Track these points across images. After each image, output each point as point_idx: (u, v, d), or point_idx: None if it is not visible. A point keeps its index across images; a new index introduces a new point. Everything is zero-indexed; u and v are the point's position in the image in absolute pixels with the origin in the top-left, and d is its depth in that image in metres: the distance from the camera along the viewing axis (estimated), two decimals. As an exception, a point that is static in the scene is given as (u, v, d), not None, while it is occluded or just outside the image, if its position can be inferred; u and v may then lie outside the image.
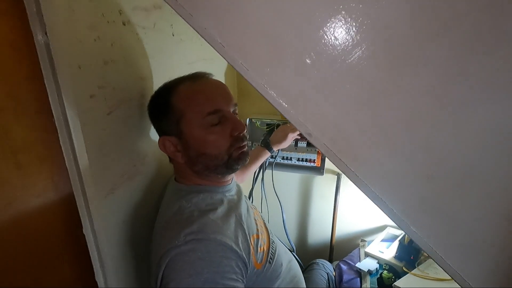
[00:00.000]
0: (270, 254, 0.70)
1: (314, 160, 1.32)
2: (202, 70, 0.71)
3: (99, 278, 0.54)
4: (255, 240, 0.67)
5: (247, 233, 0.65)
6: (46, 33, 0.41)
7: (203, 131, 0.62)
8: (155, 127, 0.70)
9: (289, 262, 0.78)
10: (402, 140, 0.36)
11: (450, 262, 0.39)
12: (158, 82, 0.76)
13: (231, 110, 0.66)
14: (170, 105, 0.63)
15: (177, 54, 0.85)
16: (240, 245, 0.60)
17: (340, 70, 0.35)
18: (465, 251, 0.39)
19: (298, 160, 1.33)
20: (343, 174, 1.39)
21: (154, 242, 0.61)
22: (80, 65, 0.51)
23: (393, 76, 0.34)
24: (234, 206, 0.69)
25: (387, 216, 0.40)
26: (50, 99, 0.42)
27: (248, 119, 1.33)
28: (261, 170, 1.32)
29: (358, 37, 0.34)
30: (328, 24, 0.34)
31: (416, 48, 0.32)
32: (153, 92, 0.71)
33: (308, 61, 0.35)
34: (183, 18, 0.38)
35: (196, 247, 0.53)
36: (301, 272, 0.85)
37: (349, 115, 0.37)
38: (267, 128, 1.33)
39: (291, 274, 0.78)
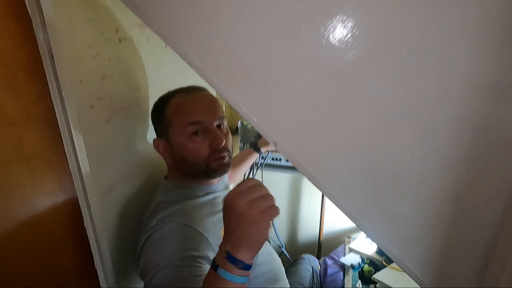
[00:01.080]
0: None
1: (302, 161, 1.39)
2: (193, 78, 0.78)
3: (98, 265, 0.61)
4: None
5: (219, 221, 0.71)
6: (52, 56, 0.48)
7: (185, 139, 0.70)
8: (154, 129, 0.78)
9: (269, 255, 0.85)
10: (350, 149, 0.43)
11: (394, 250, 0.47)
12: (152, 91, 0.83)
13: (215, 123, 0.72)
14: (163, 113, 0.72)
15: (170, 64, 0.92)
16: (208, 230, 0.66)
17: (298, 92, 0.43)
18: (406, 240, 0.46)
19: (287, 160, 1.41)
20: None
21: (140, 232, 0.69)
22: (81, 79, 0.59)
23: (340, 97, 0.41)
24: (212, 199, 0.76)
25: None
26: (56, 112, 0.50)
27: (240, 122, 1.41)
28: (252, 171, 1.39)
29: (311, 66, 0.41)
30: (286, 55, 0.41)
31: (357, 75, 0.40)
32: (148, 100, 0.79)
33: (271, 84, 0.43)
34: (168, 45, 0.46)
35: (162, 228, 0.62)
36: (281, 265, 0.92)
37: (306, 129, 0.44)
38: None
39: (270, 265, 0.84)
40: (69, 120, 0.53)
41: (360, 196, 0.46)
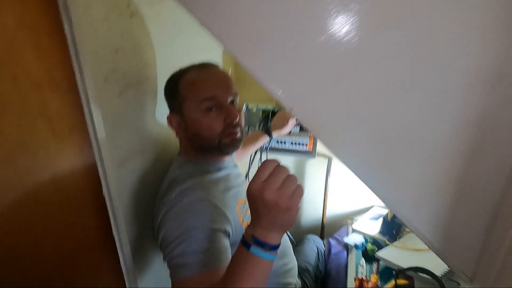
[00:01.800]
0: None
1: (307, 144, 1.41)
2: (200, 58, 0.79)
3: (115, 233, 0.63)
4: (242, 203, 0.76)
5: (234, 196, 0.74)
6: (71, 25, 0.49)
7: (199, 115, 0.71)
8: (167, 104, 0.79)
9: None
10: (363, 113, 0.45)
11: (404, 212, 0.49)
12: (161, 69, 0.84)
13: (229, 99, 0.73)
14: (177, 89, 0.73)
15: (177, 43, 0.92)
16: (225, 204, 0.68)
17: (312, 57, 0.44)
18: (415, 202, 0.48)
19: (291, 144, 1.42)
20: (334, 157, 1.48)
21: (156, 205, 0.70)
22: (96, 52, 0.59)
23: (354, 61, 0.43)
24: (226, 175, 0.78)
25: (356, 176, 0.49)
26: (76, 79, 0.51)
27: (245, 105, 1.42)
28: (257, 154, 1.42)
29: (324, 32, 0.42)
30: (301, 21, 0.42)
31: (370, 40, 0.41)
32: (157, 78, 0.80)
33: (287, 49, 0.44)
34: (187, 11, 0.47)
35: (182, 201, 0.63)
36: (289, 242, 0.95)
37: (321, 93, 0.45)
38: (262, 114, 1.42)
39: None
40: (87, 89, 0.54)
41: (372, 158, 0.47)
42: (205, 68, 0.75)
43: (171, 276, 0.60)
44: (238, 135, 0.75)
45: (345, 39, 0.42)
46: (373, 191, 0.50)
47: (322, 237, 1.54)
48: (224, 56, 1.31)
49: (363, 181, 0.49)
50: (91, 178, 0.58)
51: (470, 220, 0.47)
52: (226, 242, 0.63)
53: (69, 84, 0.51)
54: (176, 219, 0.62)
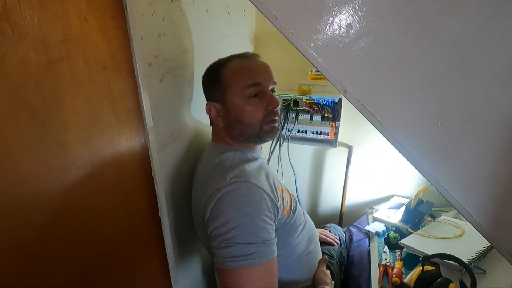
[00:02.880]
0: (292, 205, 0.82)
1: (328, 133, 1.41)
2: (229, 45, 0.81)
3: (160, 214, 0.66)
4: (281, 192, 0.78)
5: (274, 185, 0.75)
6: (127, 8, 0.50)
7: (242, 101, 0.73)
8: (205, 93, 0.81)
9: (305, 217, 0.91)
10: (421, 95, 0.45)
11: (453, 194, 0.50)
12: (195, 55, 0.85)
13: (270, 87, 0.76)
14: (220, 77, 0.75)
15: (210, 29, 0.93)
16: (271, 192, 0.70)
17: (371, 38, 0.44)
18: (467, 185, 0.49)
19: (313, 133, 1.42)
20: (354, 147, 1.48)
21: (197, 190, 0.72)
22: (142, 36, 0.60)
23: (417, 42, 0.43)
24: (261, 164, 0.79)
25: (404, 158, 0.50)
26: (133, 62, 0.52)
27: (266, 95, 1.42)
28: (278, 142, 1.42)
29: (388, 8, 0.42)
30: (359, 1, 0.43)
31: (436, 18, 0.41)
32: (193, 64, 0.81)
33: (344, 30, 0.44)
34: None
35: (240, 187, 0.65)
36: (315, 228, 0.97)
37: (379, 75, 0.46)
38: (283, 103, 1.42)
39: (308, 227, 0.90)
40: (138, 71, 0.55)
41: (426, 141, 0.48)
42: (248, 57, 0.78)
43: (223, 263, 0.61)
44: (277, 123, 0.78)
45: (411, 17, 0.42)
46: (422, 173, 0.50)
47: (340, 225, 1.55)
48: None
49: (413, 165, 0.50)
50: (142, 161, 0.60)
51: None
52: (272, 231, 0.67)
53: (128, 67, 0.52)
54: (236, 203, 0.63)
